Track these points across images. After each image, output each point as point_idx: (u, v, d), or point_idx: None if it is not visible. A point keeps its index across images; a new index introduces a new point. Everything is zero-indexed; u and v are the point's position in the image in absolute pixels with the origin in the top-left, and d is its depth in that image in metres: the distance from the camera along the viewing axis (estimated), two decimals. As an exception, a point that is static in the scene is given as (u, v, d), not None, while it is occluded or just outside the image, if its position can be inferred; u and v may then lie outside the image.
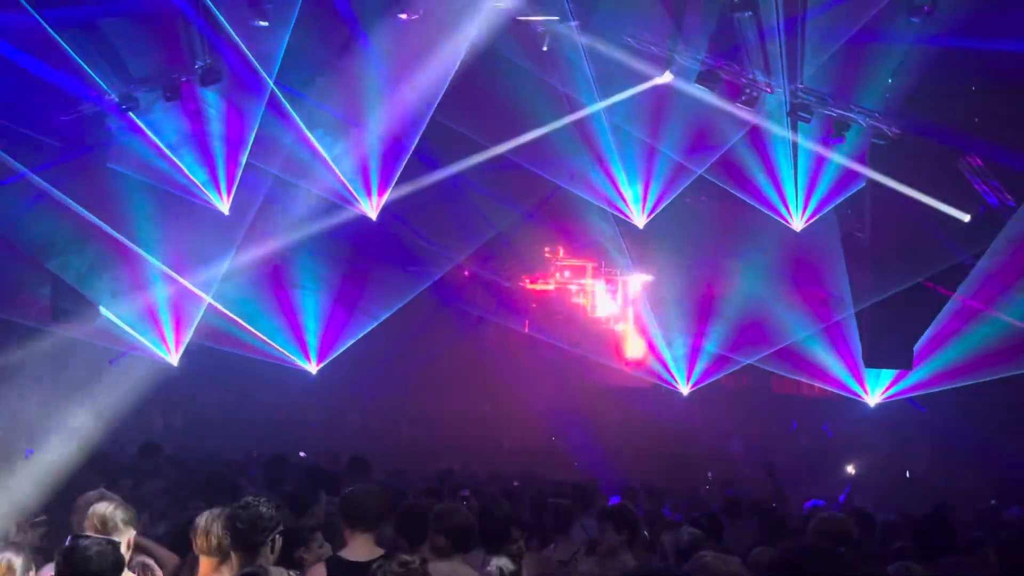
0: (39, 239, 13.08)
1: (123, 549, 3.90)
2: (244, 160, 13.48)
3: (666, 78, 12.51)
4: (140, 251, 13.97)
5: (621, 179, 13.99)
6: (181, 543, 4.31)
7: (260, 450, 10.97)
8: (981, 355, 12.31)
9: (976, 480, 12.12)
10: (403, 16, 11.90)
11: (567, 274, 17.72)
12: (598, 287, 17.55)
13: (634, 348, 16.89)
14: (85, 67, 11.93)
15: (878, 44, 11.22)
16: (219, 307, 14.60)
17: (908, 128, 11.51)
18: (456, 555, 4.36)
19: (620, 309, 17.36)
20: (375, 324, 15.60)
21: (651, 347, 16.36)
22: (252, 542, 3.75)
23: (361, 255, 16.03)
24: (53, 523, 5.06)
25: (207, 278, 14.45)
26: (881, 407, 14.02)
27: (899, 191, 11.84)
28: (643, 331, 16.65)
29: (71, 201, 12.87)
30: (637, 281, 17.12)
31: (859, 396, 14.04)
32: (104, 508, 4.14)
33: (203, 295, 14.41)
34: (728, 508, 7.32)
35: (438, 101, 12.80)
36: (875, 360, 13.14)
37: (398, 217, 15.36)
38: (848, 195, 12.91)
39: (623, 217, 14.46)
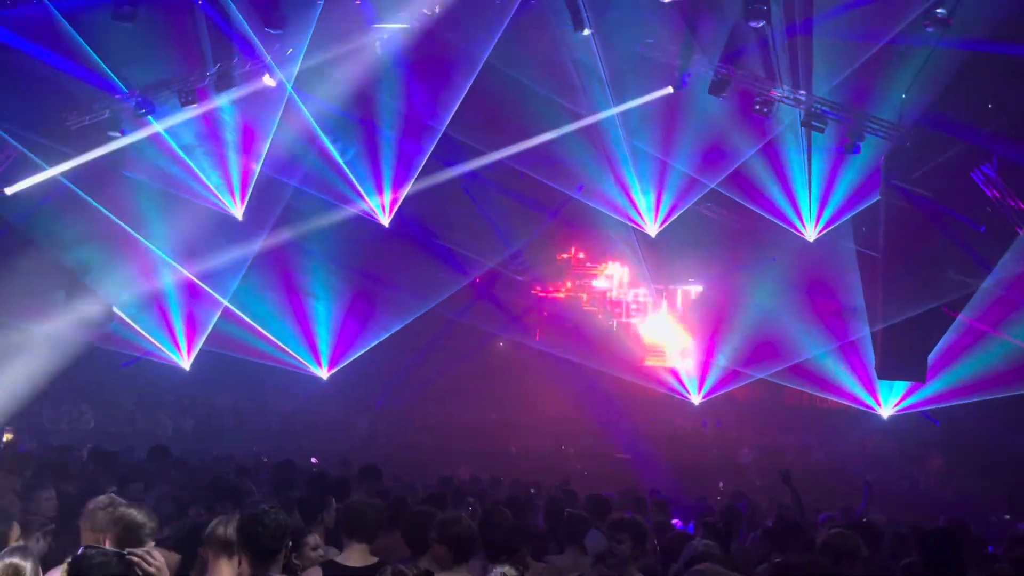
0: (54, 233, 13.10)
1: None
2: (260, 165, 13.53)
3: (679, 88, 12.51)
4: (155, 254, 14.09)
5: (634, 187, 13.95)
6: (183, 547, 4.29)
7: (269, 455, 10.97)
8: (995, 373, 12.22)
9: (990, 493, 12.01)
10: (421, 23, 11.92)
11: (602, 284, 17.46)
12: (636, 296, 17.34)
13: (672, 357, 16.71)
14: (105, 68, 12.00)
15: (894, 57, 11.13)
16: (235, 310, 14.68)
17: (926, 124, 11.32)
18: (458, 565, 4.33)
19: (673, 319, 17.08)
20: (387, 335, 15.63)
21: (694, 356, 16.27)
22: (273, 548, 3.74)
23: (376, 264, 16.07)
24: (61, 530, 5.06)
25: (224, 283, 14.55)
26: (894, 418, 13.93)
27: (912, 206, 11.72)
28: (693, 340, 16.47)
29: (87, 197, 12.96)
30: (692, 292, 16.94)
31: (872, 408, 13.94)
32: (135, 516, 4.07)
33: (220, 298, 14.50)
34: (730, 518, 7.28)
35: (454, 110, 12.82)
36: (888, 372, 12.92)
37: (416, 225, 15.46)
38: (863, 207, 12.82)
39: (635, 226, 14.42)
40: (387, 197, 14.19)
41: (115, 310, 14.25)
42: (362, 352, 15.64)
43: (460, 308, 16.37)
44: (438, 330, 16.20)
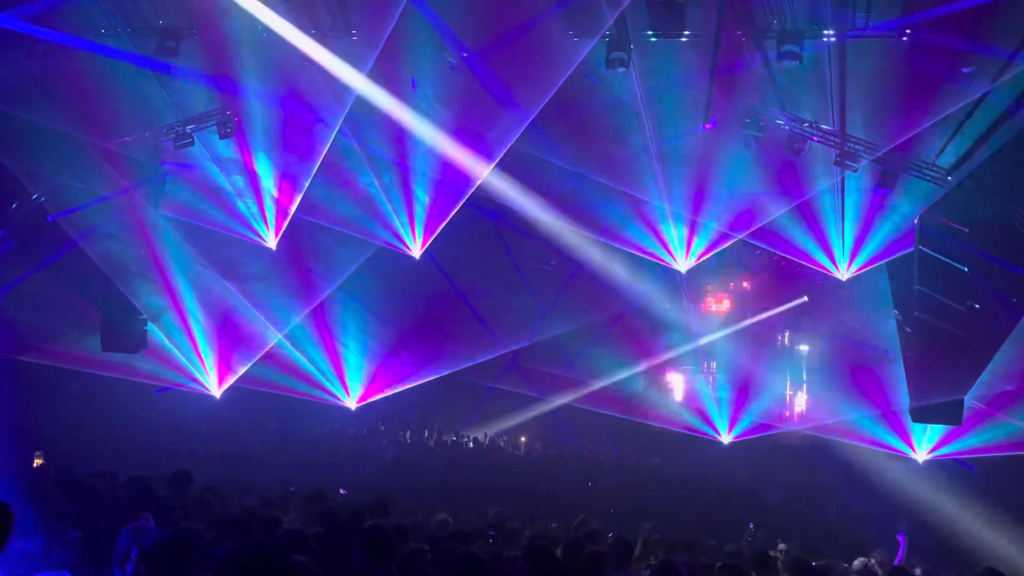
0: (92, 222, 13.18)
1: None
2: (298, 200, 13.65)
3: (709, 127, 12.48)
4: (199, 276, 14.28)
5: (665, 224, 13.87)
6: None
7: (298, 484, 10.94)
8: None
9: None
10: (452, 61, 11.99)
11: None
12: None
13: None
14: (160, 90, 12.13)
15: (932, 101, 11.00)
16: (287, 343, 14.90)
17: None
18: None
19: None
20: (417, 383, 15.70)
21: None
22: None
23: (412, 310, 16.19)
24: (86, 544, 5.06)
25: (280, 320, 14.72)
26: (929, 464, 13.66)
27: (948, 257, 11.51)
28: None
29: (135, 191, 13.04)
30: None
31: (906, 454, 13.67)
32: None
33: (276, 332, 14.63)
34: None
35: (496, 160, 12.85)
36: (923, 415, 12.48)
37: (452, 283, 15.56)
38: (900, 254, 12.60)
39: (664, 264, 14.31)
40: (419, 232, 14.26)
41: (151, 327, 14.36)
42: (391, 392, 15.80)
43: (490, 376, 16.39)
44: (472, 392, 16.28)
